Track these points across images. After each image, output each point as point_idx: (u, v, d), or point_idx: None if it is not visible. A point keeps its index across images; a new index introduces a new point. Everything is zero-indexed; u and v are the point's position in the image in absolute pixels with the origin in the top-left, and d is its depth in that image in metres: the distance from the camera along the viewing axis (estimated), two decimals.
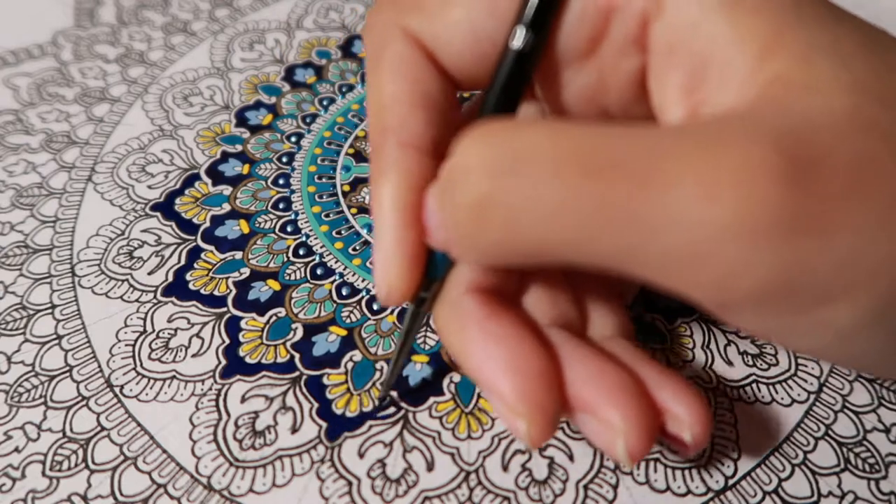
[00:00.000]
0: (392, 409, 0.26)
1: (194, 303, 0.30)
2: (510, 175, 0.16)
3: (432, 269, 0.21)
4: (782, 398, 0.27)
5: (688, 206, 0.15)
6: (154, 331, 0.29)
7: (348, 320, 0.29)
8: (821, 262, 0.15)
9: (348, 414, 0.26)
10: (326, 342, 0.28)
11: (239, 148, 0.35)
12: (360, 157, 0.35)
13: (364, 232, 0.32)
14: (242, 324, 0.29)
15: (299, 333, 0.29)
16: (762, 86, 0.17)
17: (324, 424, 0.26)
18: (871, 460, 0.26)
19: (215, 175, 0.34)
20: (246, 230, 0.32)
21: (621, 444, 0.19)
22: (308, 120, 0.37)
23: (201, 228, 0.32)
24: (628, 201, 0.15)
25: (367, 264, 0.31)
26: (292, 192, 0.34)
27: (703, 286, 0.16)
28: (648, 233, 0.15)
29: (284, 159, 0.35)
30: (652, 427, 0.19)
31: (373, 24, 0.23)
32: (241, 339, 0.28)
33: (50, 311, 0.29)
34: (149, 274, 0.30)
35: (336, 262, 0.31)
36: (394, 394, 0.27)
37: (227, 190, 0.34)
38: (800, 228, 0.15)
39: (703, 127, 0.16)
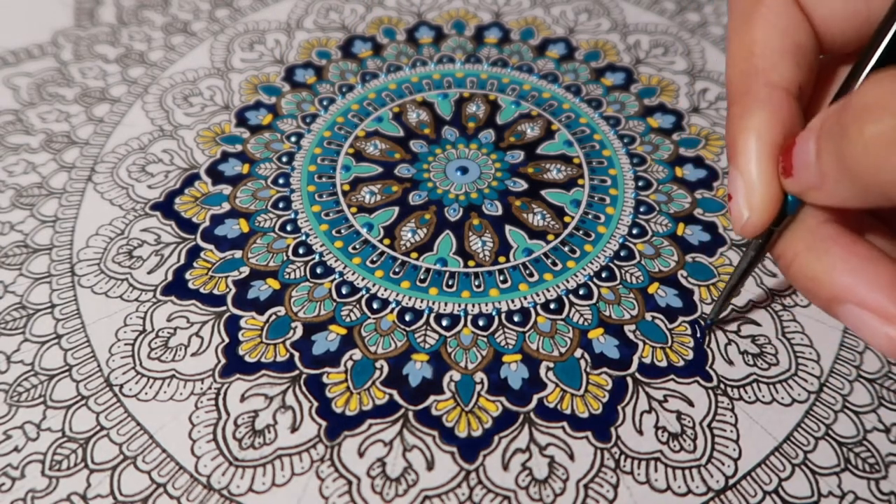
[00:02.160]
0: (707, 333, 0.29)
1: (194, 302, 0.29)
2: None
3: (785, 206, 0.23)
4: (783, 398, 0.27)
5: None
6: (153, 330, 0.29)
7: (348, 319, 0.29)
8: None
9: (348, 413, 0.26)
10: (326, 341, 0.28)
11: (239, 148, 0.35)
12: (359, 156, 0.35)
13: (364, 231, 0.32)
14: (242, 323, 0.29)
15: (299, 332, 0.29)
16: None
17: (323, 423, 0.26)
18: (872, 460, 0.26)
19: (215, 175, 0.34)
20: (245, 229, 0.32)
21: None
22: (308, 120, 0.37)
23: (201, 227, 0.32)
24: None
25: (368, 263, 0.31)
26: (292, 191, 0.34)
27: None
28: None
29: (284, 159, 0.35)
30: None
31: None
32: (241, 337, 0.28)
33: (49, 310, 0.29)
34: (148, 273, 0.30)
35: (336, 261, 0.31)
36: (394, 393, 0.27)
37: (226, 189, 0.34)
38: None
39: None
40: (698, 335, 0.29)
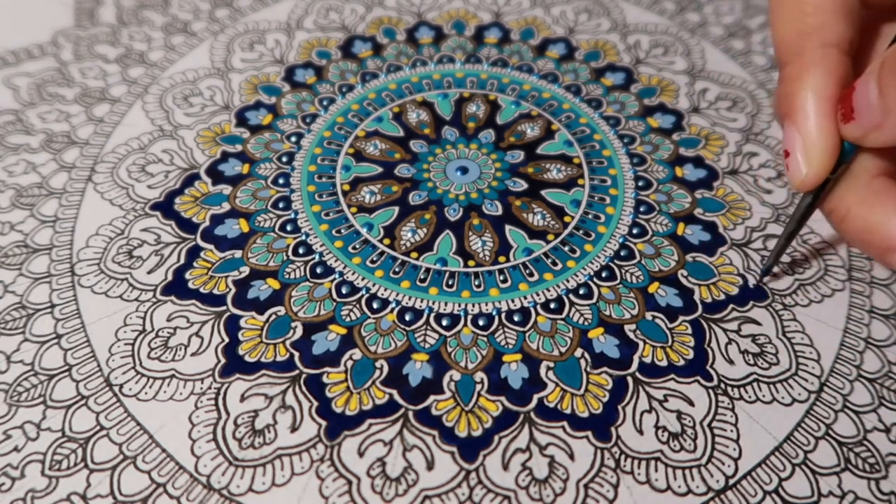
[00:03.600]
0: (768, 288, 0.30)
1: (194, 302, 0.29)
2: None
3: (841, 155, 0.25)
4: (783, 397, 0.27)
5: None
6: (153, 330, 0.29)
7: (348, 319, 0.29)
8: None
9: (348, 412, 0.26)
10: (326, 341, 0.28)
11: (239, 148, 0.35)
12: (359, 156, 0.35)
13: (364, 231, 0.32)
14: (242, 322, 0.29)
15: (299, 332, 0.29)
16: None
17: (323, 423, 0.26)
18: (872, 460, 0.26)
19: (215, 175, 0.34)
20: (245, 229, 0.32)
21: None
22: (308, 120, 0.37)
23: (201, 227, 0.32)
24: None
25: (368, 263, 0.31)
26: (292, 191, 0.34)
27: None
28: None
29: (284, 159, 0.35)
30: None
31: None
32: (241, 337, 0.28)
33: (49, 310, 0.29)
34: (148, 273, 0.30)
35: (336, 261, 0.31)
36: (394, 393, 0.27)
37: (226, 189, 0.34)
38: None
39: None
40: (753, 284, 0.31)
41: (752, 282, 0.31)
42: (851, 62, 0.25)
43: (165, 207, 0.33)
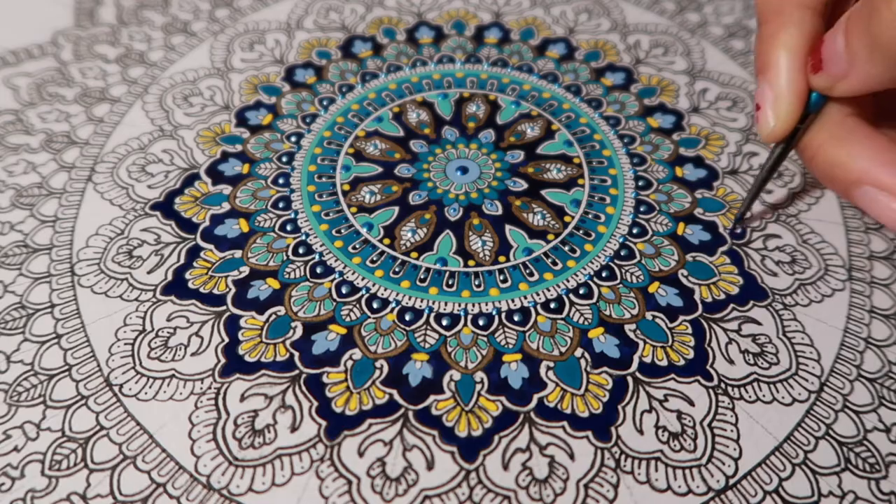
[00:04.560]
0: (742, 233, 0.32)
1: (193, 301, 0.29)
2: None
3: (808, 107, 0.26)
4: (783, 397, 0.27)
5: None
6: (153, 329, 0.29)
7: (348, 319, 0.29)
8: None
9: (348, 412, 0.26)
10: (326, 340, 0.28)
11: (239, 148, 0.35)
12: (359, 156, 0.35)
13: (364, 231, 0.32)
14: (242, 322, 0.29)
15: (299, 332, 0.29)
16: None
17: (323, 423, 0.26)
18: (872, 460, 0.26)
19: (215, 175, 0.34)
20: (245, 229, 0.32)
21: None
22: (308, 120, 0.37)
23: (201, 227, 0.32)
24: None
25: (368, 262, 0.31)
26: (292, 191, 0.34)
27: None
28: None
29: (284, 159, 0.35)
30: None
31: None
32: (241, 337, 0.28)
33: (49, 310, 0.29)
34: (148, 273, 0.30)
35: (336, 261, 0.31)
36: (394, 392, 0.27)
37: (226, 189, 0.34)
38: None
39: None
40: (731, 234, 0.32)
41: (724, 229, 0.33)
42: (824, 23, 0.26)
43: (165, 207, 0.33)
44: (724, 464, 0.25)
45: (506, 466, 0.25)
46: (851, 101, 0.26)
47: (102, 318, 0.29)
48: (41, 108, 0.37)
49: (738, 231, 0.33)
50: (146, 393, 0.27)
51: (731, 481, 0.25)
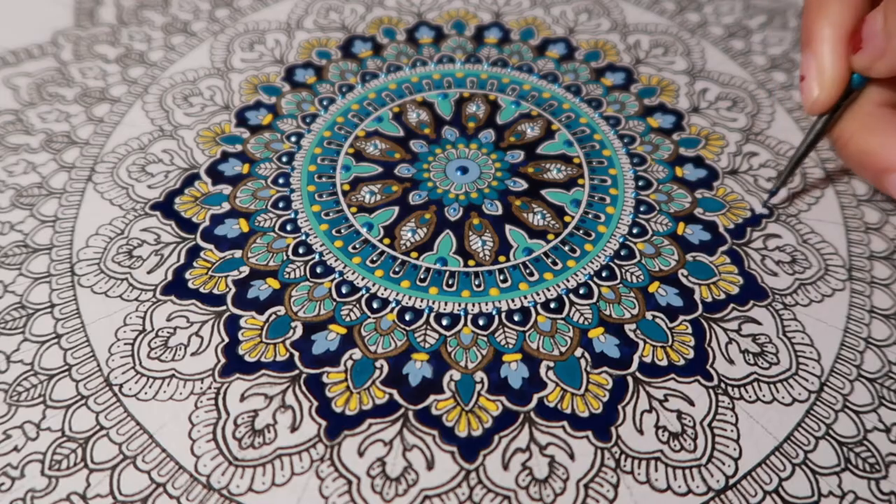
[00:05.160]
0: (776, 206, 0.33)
1: (193, 301, 0.29)
2: None
3: (850, 84, 0.28)
4: (783, 397, 0.27)
5: None
6: (153, 329, 0.29)
7: (348, 318, 0.29)
8: None
9: (348, 412, 0.26)
10: (326, 340, 0.28)
11: (239, 148, 0.35)
12: (359, 156, 0.35)
13: (364, 231, 0.32)
14: (242, 322, 0.29)
15: (299, 332, 0.29)
16: None
17: (323, 423, 0.26)
18: (872, 460, 0.26)
19: (215, 174, 0.34)
20: (245, 229, 0.32)
21: None
22: (308, 120, 0.37)
23: (201, 227, 0.32)
24: None
25: (368, 262, 0.31)
26: (292, 191, 0.34)
27: None
28: None
29: (284, 159, 0.35)
30: None
31: None
32: (241, 337, 0.28)
33: (49, 310, 0.29)
34: (148, 273, 0.30)
35: (336, 261, 0.31)
36: (394, 392, 0.27)
37: (226, 189, 0.34)
38: None
39: None
40: (765, 205, 0.33)
41: (758, 208, 0.33)
42: (869, 3, 0.27)
43: (165, 207, 0.33)
44: (724, 464, 0.25)
45: (506, 466, 0.25)
46: (887, 89, 0.28)
47: (102, 317, 0.29)
48: (41, 108, 0.37)
49: (767, 210, 0.33)
50: (146, 393, 0.27)
51: (731, 481, 0.25)
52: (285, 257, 0.31)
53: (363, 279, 0.30)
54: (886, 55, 0.26)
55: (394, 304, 0.29)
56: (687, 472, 0.25)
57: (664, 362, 0.28)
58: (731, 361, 0.28)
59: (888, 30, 0.25)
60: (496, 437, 0.26)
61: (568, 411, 0.27)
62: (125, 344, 0.28)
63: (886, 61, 0.26)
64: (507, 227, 0.32)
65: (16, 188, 0.33)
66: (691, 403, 0.27)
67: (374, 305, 0.29)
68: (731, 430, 0.26)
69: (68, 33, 0.41)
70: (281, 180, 0.34)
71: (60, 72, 0.39)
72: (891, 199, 0.34)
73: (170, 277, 0.30)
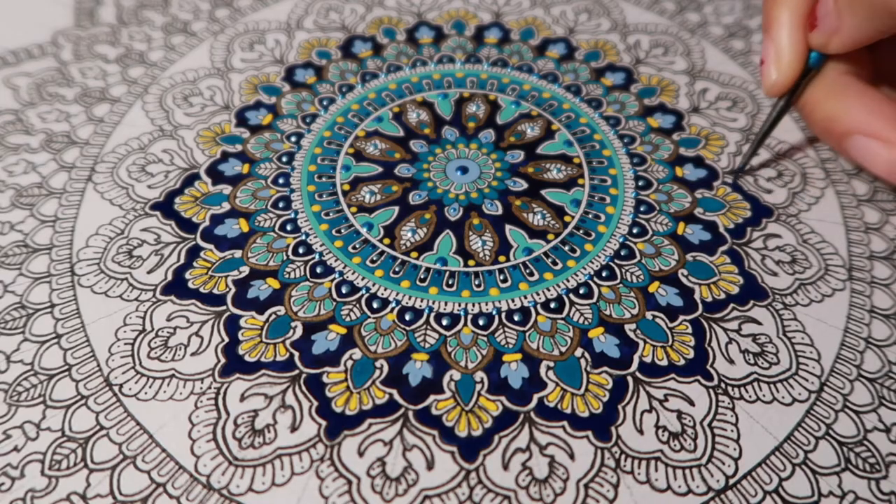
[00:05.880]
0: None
1: (193, 301, 0.29)
2: None
3: (807, 64, 0.29)
4: (783, 397, 0.27)
5: None
6: (153, 329, 0.29)
7: (348, 318, 0.29)
8: None
9: (348, 412, 0.26)
10: (326, 340, 0.28)
11: (239, 148, 0.35)
12: (359, 156, 0.35)
13: (364, 231, 0.32)
14: (242, 322, 0.29)
15: (299, 332, 0.29)
16: None
17: (323, 423, 0.26)
18: (872, 460, 0.26)
19: (215, 174, 0.34)
20: (245, 229, 0.32)
21: None
22: (308, 120, 0.37)
23: (201, 227, 0.32)
24: None
25: (368, 262, 0.31)
26: (292, 191, 0.34)
27: None
28: None
29: (284, 159, 0.35)
30: None
31: None
32: (241, 337, 0.28)
33: (49, 310, 0.29)
34: (148, 273, 0.30)
35: (336, 261, 0.31)
36: (394, 392, 0.27)
37: (226, 189, 0.34)
38: None
39: None
40: (731, 181, 0.34)
41: (724, 180, 0.34)
42: None
43: (165, 207, 0.33)
44: (724, 464, 0.25)
45: (506, 466, 0.25)
46: (849, 61, 0.29)
47: (102, 317, 0.29)
48: (41, 108, 0.37)
49: (732, 181, 0.34)
50: (146, 393, 0.27)
51: (731, 481, 0.25)
52: (285, 257, 0.31)
53: (363, 279, 0.30)
54: (840, 31, 0.27)
55: (394, 304, 0.29)
56: (687, 472, 0.25)
57: (664, 362, 0.28)
58: (732, 361, 0.28)
59: (839, 7, 0.26)
60: (496, 437, 0.26)
61: (568, 411, 0.27)
62: (125, 344, 0.28)
63: (840, 37, 0.27)
64: (507, 226, 0.32)
65: (16, 188, 0.34)
66: (691, 403, 0.27)
67: (374, 305, 0.29)
68: (732, 430, 0.26)
69: (68, 33, 0.41)
70: (281, 180, 0.34)
71: (60, 72, 0.39)
72: (892, 198, 0.34)
73: (170, 277, 0.30)
